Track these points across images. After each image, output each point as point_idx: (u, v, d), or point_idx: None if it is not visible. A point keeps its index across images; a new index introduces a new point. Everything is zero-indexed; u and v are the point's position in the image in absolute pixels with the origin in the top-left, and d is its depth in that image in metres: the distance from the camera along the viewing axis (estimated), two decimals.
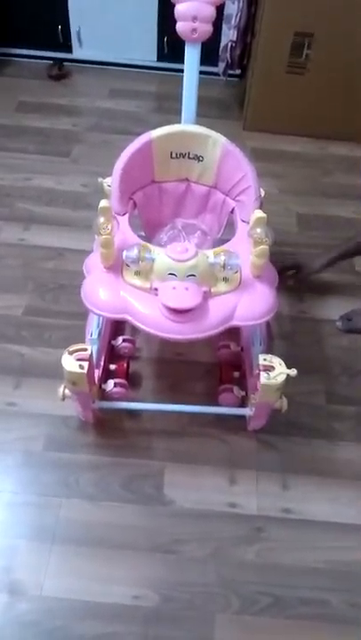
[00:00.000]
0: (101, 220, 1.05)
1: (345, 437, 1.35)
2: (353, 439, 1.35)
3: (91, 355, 1.12)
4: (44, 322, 1.53)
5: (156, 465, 1.28)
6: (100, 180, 1.41)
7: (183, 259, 1.04)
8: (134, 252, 1.07)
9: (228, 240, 1.23)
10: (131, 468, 1.27)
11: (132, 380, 1.40)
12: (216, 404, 1.34)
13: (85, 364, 1.09)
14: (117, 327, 1.50)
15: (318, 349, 1.53)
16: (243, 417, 1.32)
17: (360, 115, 2.18)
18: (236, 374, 1.37)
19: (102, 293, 1.11)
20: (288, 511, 1.22)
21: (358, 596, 1.12)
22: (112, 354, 1.43)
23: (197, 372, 1.45)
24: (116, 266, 1.11)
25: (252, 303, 1.10)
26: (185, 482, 1.25)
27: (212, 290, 1.09)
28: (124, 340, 1.42)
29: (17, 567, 1.12)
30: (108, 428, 1.34)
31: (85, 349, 1.11)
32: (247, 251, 1.11)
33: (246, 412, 1.28)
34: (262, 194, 1.31)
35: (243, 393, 1.32)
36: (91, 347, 1.14)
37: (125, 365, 1.38)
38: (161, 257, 1.06)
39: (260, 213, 1.06)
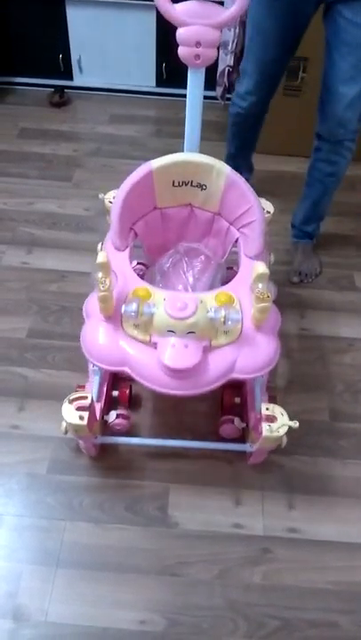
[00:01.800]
0: (100, 275, 1.03)
1: (350, 455, 1.35)
2: (358, 456, 1.34)
3: (91, 403, 1.11)
4: (48, 344, 1.54)
5: (160, 486, 1.27)
6: (100, 195, 1.42)
7: (182, 316, 1.02)
8: (133, 307, 1.05)
9: (231, 262, 1.23)
10: (135, 489, 1.26)
11: (133, 402, 1.40)
12: (217, 429, 1.33)
13: (85, 415, 1.08)
14: None
15: (321, 366, 1.53)
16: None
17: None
18: (238, 400, 1.36)
19: (101, 345, 1.10)
20: (295, 531, 1.21)
21: None
22: (115, 377, 1.43)
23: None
24: (116, 314, 1.09)
25: (252, 355, 1.08)
26: (190, 503, 1.25)
27: (212, 342, 1.07)
28: None
29: (21, 592, 1.11)
30: (112, 450, 1.33)
31: (85, 397, 1.11)
32: (249, 294, 1.09)
33: (246, 448, 1.27)
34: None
35: (243, 425, 1.31)
36: (91, 395, 1.13)
37: (128, 391, 1.37)
38: (160, 313, 1.04)
39: (262, 269, 1.04)
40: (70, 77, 2.57)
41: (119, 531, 1.20)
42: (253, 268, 1.06)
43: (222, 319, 1.04)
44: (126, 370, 1.09)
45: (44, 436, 1.34)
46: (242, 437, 1.32)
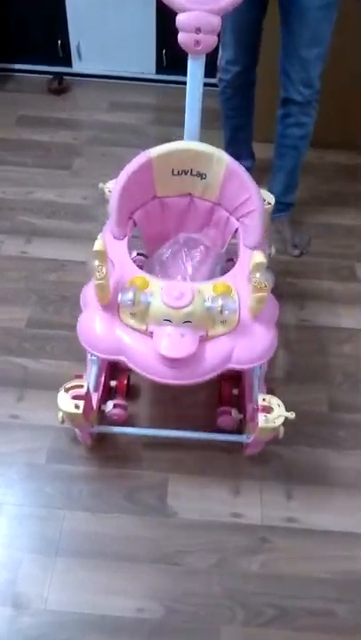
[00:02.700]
0: (96, 263, 1.02)
1: (349, 445, 1.35)
2: (357, 447, 1.35)
3: (87, 392, 1.11)
4: (47, 334, 1.54)
5: (159, 476, 1.27)
6: (100, 185, 1.40)
7: (179, 305, 1.02)
8: (129, 296, 1.04)
9: (231, 253, 1.22)
10: (134, 479, 1.27)
11: (131, 392, 1.40)
12: (215, 420, 1.33)
13: (81, 404, 1.07)
14: None
15: (320, 357, 1.53)
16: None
17: (357, 123, 2.20)
18: (235, 392, 1.36)
19: (98, 333, 1.09)
20: (292, 521, 1.22)
21: None
22: (113, 367, 1.42)
23: (198, 385, 1.44)
24: (113, 303, 1.09)
25: (249, 345, 1.08)
26: (188, 492, 1.25)
27: (209, 332, 1.06)
28: None
29: (20, 580, 1.12)
30: (111, 439, 1.34)
31: (81, 386, 1.10)
32: (247, 284, 1.08)
33: (243, 439, 1.27)
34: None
35: (241, 416, 1.31)
36: (87, 383, 1.12)
37: (126, 382, 1.37)
38: (156, 302, 1.04)
39: (259, 258, 1.03)
40: (69, 64, 2.55)
41: (118, 520, 1.20)
42: (251, 258, 1.05)
43: (219, 309, 1.04)
44: (123, 359, 1.09)
45: (43, 426, 1.34)
46: (239, 428, 1.32)
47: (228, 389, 1.36)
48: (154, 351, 1.04)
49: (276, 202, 1.82)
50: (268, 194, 1.43)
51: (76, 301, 1.19)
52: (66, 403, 1.08)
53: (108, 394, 1.36)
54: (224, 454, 1.32)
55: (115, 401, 1.31)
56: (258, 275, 1.02)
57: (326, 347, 1.56)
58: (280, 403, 1.10)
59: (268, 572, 1.14)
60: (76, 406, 1.07)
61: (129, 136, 2.24)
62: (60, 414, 1.16)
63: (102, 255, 1.02)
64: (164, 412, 1.39)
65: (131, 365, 1.08)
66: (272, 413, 1.08)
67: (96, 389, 1.27)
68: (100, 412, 1.30)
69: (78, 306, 1.18)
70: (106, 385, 1.35)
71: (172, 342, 1.02)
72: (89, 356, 1.32)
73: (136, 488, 1.25)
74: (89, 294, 1.14)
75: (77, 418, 1.10)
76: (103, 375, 1.35)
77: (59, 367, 1.46)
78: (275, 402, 1.10)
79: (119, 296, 1.06)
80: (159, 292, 1.04)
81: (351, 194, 2.07)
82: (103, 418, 1.32)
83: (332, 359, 1.53)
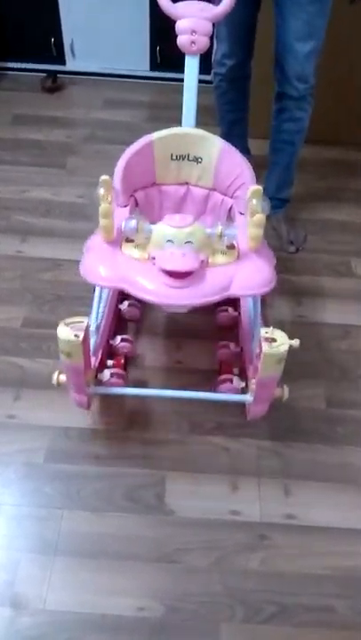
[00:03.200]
0: (102, 191, 1.07)
1: (347, 441, 1.35)
2: (355, 443, 1.35)
3: (87, 327, 1.11)
4: (43, 333, 1.53)
5: (157, 474, 1.27)
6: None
7: (181, 225, 1.06)
8: (133, 223, 1.10)
9: None
10: (132, 477, 1.27)
11: (131, 383, 1.40)
12: (216, 389, 1.33)
13: (81, 334, 1.08)
14: (117, 326, 1.51)
15: (318, 353, 1.53)
16: (244, 424, 1.32)
17: (351, 119, 2.20)
18: (236, 371, 1.37)
19: (101, 264, 1.13)
20: (291, 517, 1.22)
21: None
22: (110, 352, 1.42)
23: (197, 380, 1.44)
24: (116, 241, 1.14)
25: (249, 274, 1.12)
26: (187, 490, 1.25)
27: (210, 261, 1.11)
28: (122, 340, 1.43)
29: (19, 580, 1.11)
30: (109, 438, 1.33)
31: (82, 321, 1.11)
32: (245, 236, 1.12)
33: (246, 398, 1.27)
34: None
35: (242, 384, 1.31)
36: (87, 320, 1.13)
37: (123, 361, 1.38)
38: (159, 226, 1.09)
39: (256, 187, 1.09)
40: (63, 62, 2.54)
41: (117, 519, 1.20)
42: (248, 189, 1.10)
43: (219, 233, 1.09)
44: (125, 287, 1.10)
45: (40, 426, 1.34)
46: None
47: (228, 368, 1.37)
48: (156, 272, 1.07)
49: (272, 198, 1.83)
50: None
51: (72, 300, 1.18)
52: (65, 333, 1.08)
53: (104, 367, 1.35)
54: (222, 451, 1.32)
55: (112, 370, 1.31)
56: (254, 201, 1.07)
57: (324, 343, 1.55)
58: (283, 334, 1.10)
59: (267, 568, 1.14)
60: (76, 335, 1.07)
61: (124, 134, 2.23)
62: (55, 375, 1.17)
63: (108, 184, 1.07)
64: (164, 385, 1.40)
65: (133, 291, 1.10)
66: (276, 342, 1.09)
67: (95, 354, 1.29)
68: (98, 381, 1.30)
69: (74, 305, 1.18)
70: (102, 362, 1.35)
71: (175, 258, 1.05)
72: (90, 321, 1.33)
73: (135, 487, 1.25)
74: (92, 241, 1.19)
75: (77, 349, 1.09)
76: (100, 352, 1.35)
77: (55, 366, 1.45)
78: (278, 334, 1.10)
79: (122, 225, 1.11)
80: (161, 222, 1.10)
81: (347, 190, 2.07)
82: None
83: (330, 355, 1.53)
